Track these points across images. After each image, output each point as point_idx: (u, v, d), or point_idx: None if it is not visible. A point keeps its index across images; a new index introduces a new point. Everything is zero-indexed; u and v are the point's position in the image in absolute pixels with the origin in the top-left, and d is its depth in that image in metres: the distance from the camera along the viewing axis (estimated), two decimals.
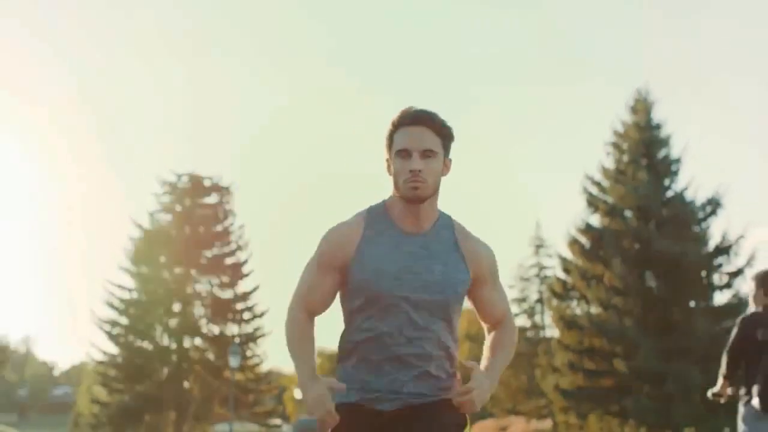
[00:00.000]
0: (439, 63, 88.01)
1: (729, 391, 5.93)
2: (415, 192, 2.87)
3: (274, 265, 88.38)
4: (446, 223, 3.00)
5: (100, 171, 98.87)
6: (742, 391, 5.80)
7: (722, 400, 5.98)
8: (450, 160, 2.99)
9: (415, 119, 2.91)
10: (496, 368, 3.01)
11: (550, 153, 78.76)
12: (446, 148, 2.95)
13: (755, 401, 5.69)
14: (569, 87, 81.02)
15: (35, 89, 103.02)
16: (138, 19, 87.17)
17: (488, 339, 3.09)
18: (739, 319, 5.94)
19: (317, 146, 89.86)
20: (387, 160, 2.98)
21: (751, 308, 6.07)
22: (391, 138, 2.95)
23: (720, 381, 5.94)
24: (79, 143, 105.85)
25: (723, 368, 5.86)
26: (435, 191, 2.94)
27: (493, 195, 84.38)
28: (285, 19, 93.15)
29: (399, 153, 2.90)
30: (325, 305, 3.01)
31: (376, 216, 2.98)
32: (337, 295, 3.02)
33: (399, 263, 2.90)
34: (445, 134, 2.93)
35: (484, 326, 3.11)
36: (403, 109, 2.97)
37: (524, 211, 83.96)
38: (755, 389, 5.72)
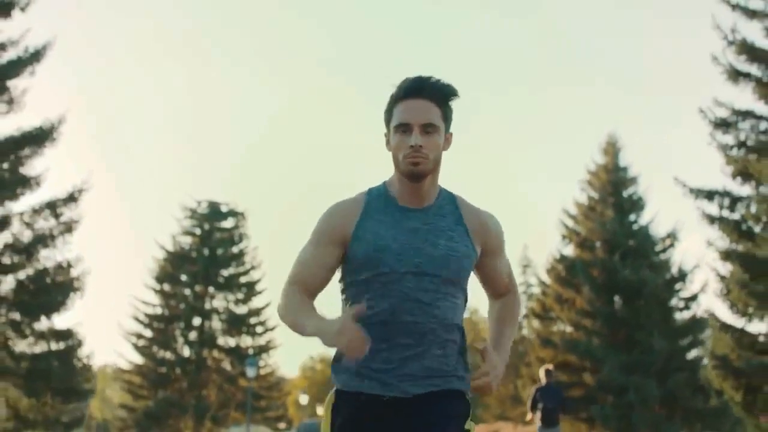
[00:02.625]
0: (439, 68, 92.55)
1: (533, 419, 12.36)
2: (415, 168, 2.84)
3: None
4: (448, 197, 2.99)
5: (99, 173, 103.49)
6: (537, 417, 12.29)
7: (531, 423, 12.55)
8: (451, 134, 2.96)
9: (416, 91, 2.87)
10: (506, 344, 3.05)
11: (549, 157, 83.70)
12: (447, 121, 2.92)
13: (539, 424, 12.86)
14: (569, 90, 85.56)
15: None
16: (137, 21, 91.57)
17: (492, 309, 3.16)
18: (534, 388, 12.46)
19: (320, 154, 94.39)
20: (386, 135, 2.94)
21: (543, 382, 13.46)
22: (390, 111, 2.92)
23: (529, 414, 12.38)
24: (78, 144, 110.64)
25: (528, 407, 12.49)
26: (436, 167, 2.90)
27: (493, 200, 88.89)
28: (285, 24, 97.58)
29: (398, 127, 2.86)
30: (321, 280, 2.94)
31: (376, 194, 2.97)
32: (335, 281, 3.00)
33: (401, 239, 2.87)
34: (446, 104, 2.91)
35: (487, 294, 3.17)
36: (404, 80, 2.92)
37: (524, 213, 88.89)
38: (539, 416, 12.85)
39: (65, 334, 21.20)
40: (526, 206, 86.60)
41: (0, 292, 19.40)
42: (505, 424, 44.10)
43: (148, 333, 40.19)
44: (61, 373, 20.40)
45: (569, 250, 34.53)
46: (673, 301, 33.56)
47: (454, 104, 2.96)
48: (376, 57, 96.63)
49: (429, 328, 2.85)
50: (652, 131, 76.65)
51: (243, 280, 41.24)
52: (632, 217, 34.17)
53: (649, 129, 79.13)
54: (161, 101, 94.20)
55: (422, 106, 2.86)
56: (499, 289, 3.13)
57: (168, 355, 40.08)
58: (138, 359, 40.27)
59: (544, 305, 35.37)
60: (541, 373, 14.02)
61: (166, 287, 40.70)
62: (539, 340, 34.33)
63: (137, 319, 40.04)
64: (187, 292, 40.62)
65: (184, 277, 40.64)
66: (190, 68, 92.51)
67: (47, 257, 20.64)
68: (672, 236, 33.45)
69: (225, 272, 41.04)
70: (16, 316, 20.24)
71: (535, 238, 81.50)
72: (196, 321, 40.34)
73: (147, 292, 40.52)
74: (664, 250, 33.63)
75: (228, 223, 41.83)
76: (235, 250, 41.47)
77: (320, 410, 72.57)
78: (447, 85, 2.90)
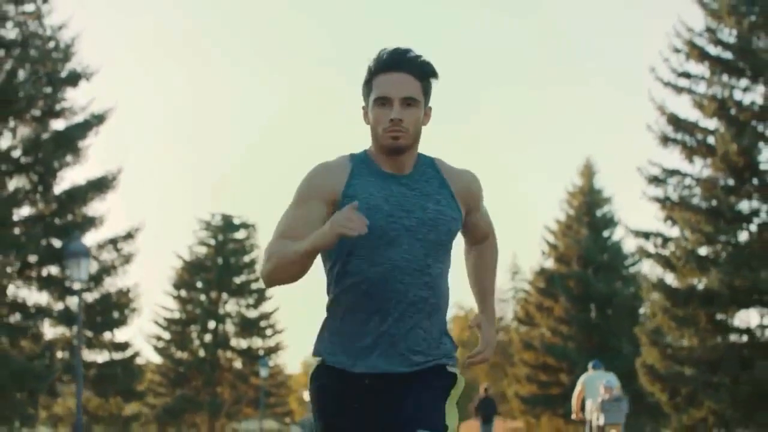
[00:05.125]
0: (439, 66, 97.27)
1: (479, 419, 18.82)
2: (395, 142, 2.91)
3: (292, 290, 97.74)
4: (427, 161, 3.05)
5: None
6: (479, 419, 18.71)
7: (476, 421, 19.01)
8: (430, 109, 3.02)
9: (395, 64, 2.94)
10: (491, 300, 3.23)
11: (549, 155, 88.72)
12: (427, 95, 2.98)
13: (481, 421, 19.35)
14: (569, 88, 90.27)
15: None
16: (138, 21, 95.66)
17: (468, 257, 3.26)
18: (477, 398, 18.72)
19: (319, 153, 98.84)
20: (363, 108, 3.00)
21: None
22: (368, 85, 2.97)
23: (475, 414, 18.75)
24: None
25: (473, 413, 19.02)
26: (416, 141, 2.97)
27: (492, 199, 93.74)
28: (285, 23, 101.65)
29: (378, 101, 2.92)
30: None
31: (359, 159, 3.02)
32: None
33: (391, 201, 2.93)
34: (426, 78, 2.97)
35: (464, 240, 3.22)
36: (381, 52, 2.98)
37: (524, 213, 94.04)
38: (481, 418, 19.47)
39: (124, 346, 27.43)
40: (526, 205, 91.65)
41: (73, 312, 25.26)
42: (494, 419, 50.13)
43: (167, 335, 45.59)
44: (122, 377, 26.50)
45: (549, 263, 40.48)
46: (641, 310, 39.51)
47: (437, 83, 3.02)
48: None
49: (420, 297, 2.92)
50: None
51: (254, 286, 46.72)
52: (605, 233, 40.12)
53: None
54: (161, 101, 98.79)
55: (402, 79, 2.92)
56: (478, 238, 3.21)
57: (185, 355, 45.42)
58: (157, 359, 45.98)
59: (527, 312, 41.38)
60: (481, 390, 21.15)
61: (183, 293, 46.17)
62: (522, 343, 40.35)
63: (157, 323, 45.33)
64: (203, 297, 46.03)
65: (199, 284, 46.08)
66: (190, 68, 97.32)
67: (110, 284, 26.80)
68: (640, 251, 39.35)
69: (237, 279, 46.54)
70: (86, 331, 26.25)
71: (532, 235, 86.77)
72: (211, 324, 45.75)
73: (166, 298, 46.22)
74: (633, 264, 39.58)
75: (240, 234, 47.51)
76: (246, 259, 47.12)
77: None
78: (427, 63, 2.98)
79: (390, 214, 2.91)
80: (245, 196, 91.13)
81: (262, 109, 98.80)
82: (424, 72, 2.96)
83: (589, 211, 39.95)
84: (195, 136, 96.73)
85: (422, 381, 2.94)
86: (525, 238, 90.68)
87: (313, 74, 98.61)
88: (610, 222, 40.24)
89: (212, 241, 47.19)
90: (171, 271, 46.61)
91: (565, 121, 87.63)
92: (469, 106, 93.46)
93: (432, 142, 3.18)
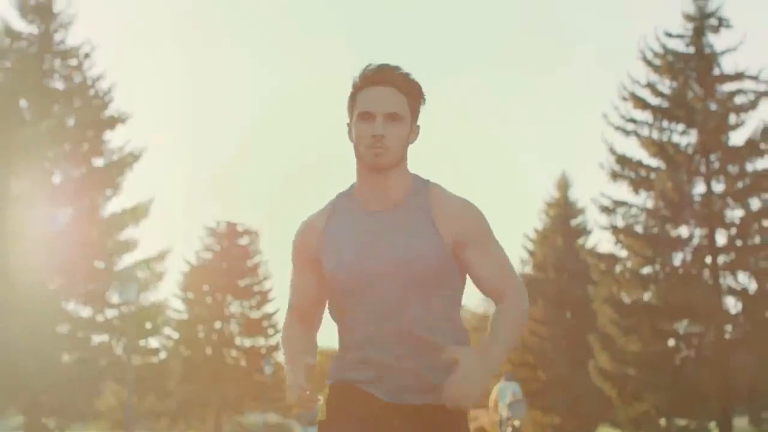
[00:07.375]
0: (431, 49, 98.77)
1: None
2: (376, 159, 2.95)
3: None
4: (419, 189, 3.06)
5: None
6: None
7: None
8: (418, 127, 3.04)
9: (379, 78, 2.98)
10: (494, 349, 3.01)
11: (539, 138, 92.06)
12: (414, 111, 3.02)
13: None
14: (559, 70, 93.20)
15: None
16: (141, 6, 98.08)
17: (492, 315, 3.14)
18: None
19: (324, 139, 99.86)
20: (348, 125, 3.06)
21: None
22: (353, 99, 3.02)
23: None
24: None
25: None
26: (401, 159, 3.01)
27: (486, 184, 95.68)
28: (292, 11, 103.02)
29: (361, 116, 2.97)
30: (313, 303, 3.20)
31: (343, 199, 3.11)
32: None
33: (358, 248, 3.01)
34: (413, 94, 3.00)
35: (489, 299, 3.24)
36: (367, 66, 3.03)
37: (514, 196, 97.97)
38: None
39: (156, 351, 33.47)
40: (509, 214, 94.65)
41: (113, 324, 31.35)
42: (484, 411, 56.01)
43: (175, 335, 51.30)
44: (156, 378, 32.54)
45: (529, 269, 46.50)
46: None
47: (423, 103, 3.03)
48: (375, 46, 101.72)
49: (403, 337, 2.97)
50: None
51: (256, 289, 51.66)
52: (581, 240, 46.10)
53: None
54: (162, 86, 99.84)
55: (387, 93, 2.96)
56: (486, 288, 3.09)
57: (193, 354, 51.00)
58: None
59: None
60: None
61: (191, 295, 51.74)
62: None
63: (166, 323, 51.11)
64: (209, 299, 50.98)
65: (206, 287, 51.29)
66: (192, 53, 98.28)
67: (144, 298, 32.73)
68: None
69: (241, 282, 51.43)
70: (124, 339, 32.24)
71: (514, 243, 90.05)
72: (217, 324, 50.70)
73: (174, 300, 51.77)
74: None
75: (243, 241, 53.13)
76: (249, 263, 52.53)
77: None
78: (414, 81, 3.01)
79: (355, 263, 3.01)
80: (249, 200, 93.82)
81: (264, 104, 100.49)
82: (410, 86, 3.01)
83: (564, 222, 45.93)
84: (195, 130, 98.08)
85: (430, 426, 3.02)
86: (507, 246, 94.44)
87: (318, 64, 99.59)
88: (583, 231, 46.24)
89: (217, 247, 52.70)
90: (178, 275, 52.22)
91: (543, 133, 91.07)
92: (467, 92, 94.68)
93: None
